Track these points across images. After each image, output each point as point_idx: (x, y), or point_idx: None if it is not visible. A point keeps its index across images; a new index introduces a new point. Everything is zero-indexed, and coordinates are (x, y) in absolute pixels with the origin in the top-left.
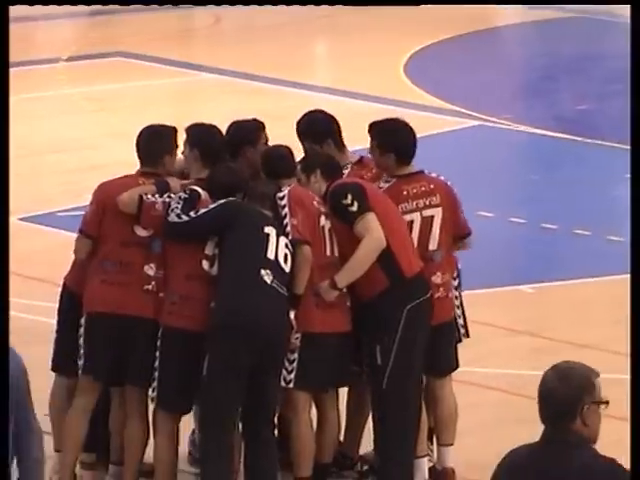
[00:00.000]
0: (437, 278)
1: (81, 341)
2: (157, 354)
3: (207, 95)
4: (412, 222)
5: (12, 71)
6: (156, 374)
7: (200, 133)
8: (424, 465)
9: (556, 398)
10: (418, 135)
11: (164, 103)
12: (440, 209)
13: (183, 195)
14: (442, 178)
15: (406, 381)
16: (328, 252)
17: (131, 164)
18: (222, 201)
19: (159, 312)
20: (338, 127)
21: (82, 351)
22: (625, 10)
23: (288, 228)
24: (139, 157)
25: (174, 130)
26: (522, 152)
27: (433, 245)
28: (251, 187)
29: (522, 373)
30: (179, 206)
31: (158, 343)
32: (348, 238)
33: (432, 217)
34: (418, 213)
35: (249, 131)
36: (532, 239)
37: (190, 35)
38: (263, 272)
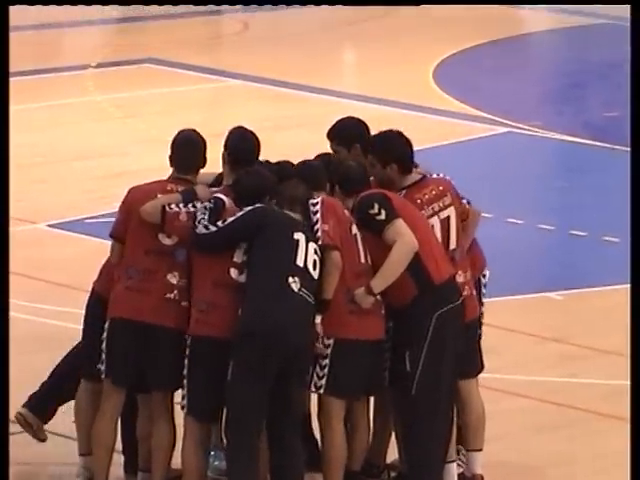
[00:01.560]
0: (460, 277)
1: (103, 346)
2: (185, 362)
3: (234, 101)
4: (432, 227)
5: (40, 78)
6: (185, 382)
7: (232, 136)
8: (454, 470)
9: None
10: (447, 142)
11: (192, 110)
12: (452, 208)
13: (208, 205)
14: (442, 175)
15: (434, 388)
16: (362, 259)
17: (159, 170)
18: (249, 208)
19: (180, 320)
20: (368, 132)
21: (104, 356)
22: None
23: (319, 233)
24: (174, 162)
25: (205, 142)
26: (551, 159)
27: (452, 244)
28: (279, 191)
29: (551, 380)
30: (205, 217)
31: (186, 351)
32: (379, 249)
33: (448, 217)
34: (436, 217)
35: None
36: (561, 246)
37: (218, 42)
38: (291, 280)
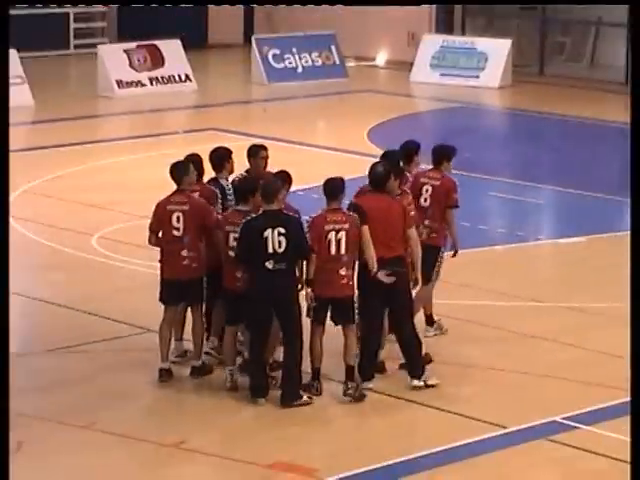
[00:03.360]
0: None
1: None
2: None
3: None
4: (426, 190)
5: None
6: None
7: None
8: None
9: None
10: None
11: None
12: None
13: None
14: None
15: (368, 317)
16: (333, 252)
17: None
18: (241, 228)
19: None
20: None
21: None
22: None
23: (307, 239)
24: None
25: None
26: None
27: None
28: (263, 187)
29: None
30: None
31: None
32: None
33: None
34: (429, 186)
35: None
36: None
37: None
38: (267, 263)
